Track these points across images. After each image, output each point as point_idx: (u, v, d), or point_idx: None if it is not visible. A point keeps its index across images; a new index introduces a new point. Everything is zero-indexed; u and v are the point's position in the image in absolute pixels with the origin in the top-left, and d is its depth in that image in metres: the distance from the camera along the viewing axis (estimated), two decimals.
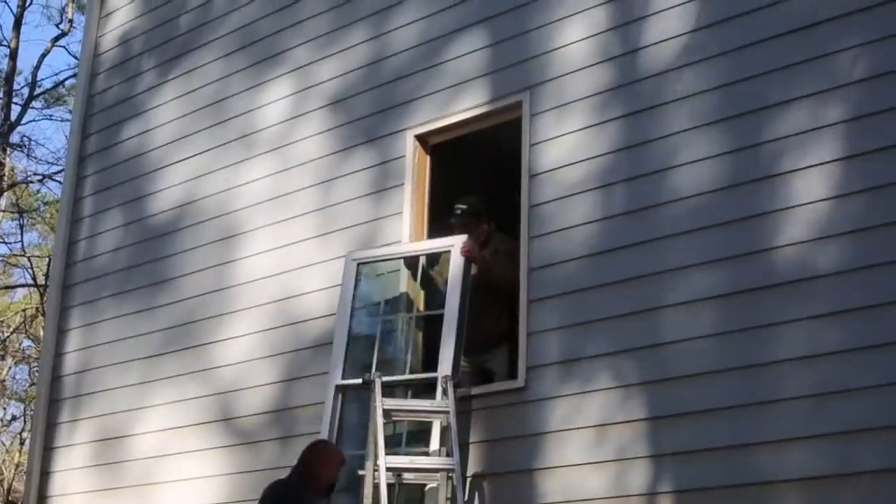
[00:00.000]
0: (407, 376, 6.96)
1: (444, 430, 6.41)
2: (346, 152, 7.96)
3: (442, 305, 6.88)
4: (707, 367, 6.00)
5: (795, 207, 5.92)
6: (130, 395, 8.79)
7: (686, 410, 6.02)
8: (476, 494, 6.62)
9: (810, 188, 5.90)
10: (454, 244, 6.98)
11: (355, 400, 7.00)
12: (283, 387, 7.79)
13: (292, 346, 7.81)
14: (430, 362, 6.91)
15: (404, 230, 7.42)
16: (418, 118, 7.63)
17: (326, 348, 7.30)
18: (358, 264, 7.29)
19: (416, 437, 6.83)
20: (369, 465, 6.33)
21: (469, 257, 6.88)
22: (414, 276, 7.29)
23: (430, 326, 7.12)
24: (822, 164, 5.89)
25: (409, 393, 6.99)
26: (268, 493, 6.23)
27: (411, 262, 7.29)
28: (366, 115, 7.96)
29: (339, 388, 6.99)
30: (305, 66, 8.44)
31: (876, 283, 5.59)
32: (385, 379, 6.63)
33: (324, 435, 6.85)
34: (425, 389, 6.83)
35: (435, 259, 7.26)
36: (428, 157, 7.63)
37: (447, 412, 6.35)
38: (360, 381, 6.74)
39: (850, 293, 5.66)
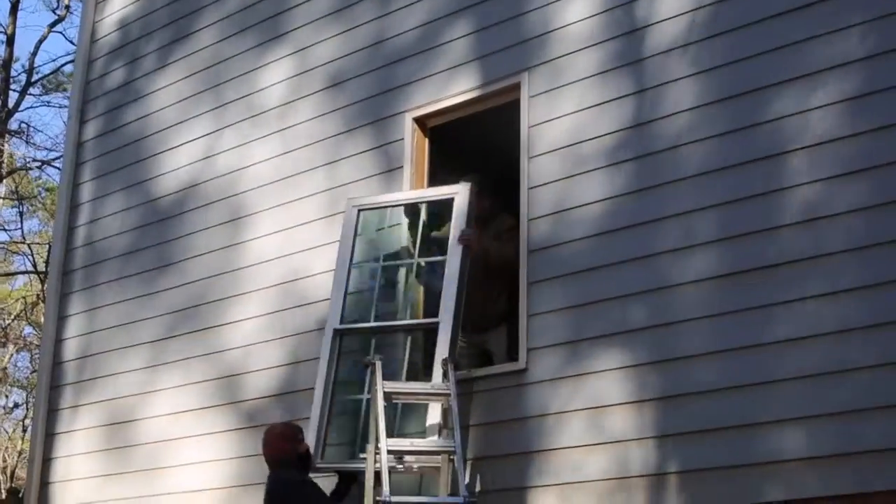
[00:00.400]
0: (408, 321, 7.02)
1: (445, 413, 6.41)
2: (347, 135, 7.95)
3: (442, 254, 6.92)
4: (709, 348, 6.00)
5: (799, 186, 5.90)
6: (133, 379, 8.79)
7: (687, 391, 6.01)
8: (477, 476, 6.63)
9: (813, 167, 5.88)
10: (457, 192, 6.97)
11: (351, 346, 7.04)
12: (289, 369, 7.78)
13: (298, 328, 7.79)
14: (430, 308, 6.99)
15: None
16: (417, 101, 7.61)
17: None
18: (359, 210, 7.29)
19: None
20: (370, 448, 6.32)
21: (467, 245, 6.84)
22: (414, 230, 7.24)
23: (430, 273, 7.12)
24: (825, 142, 5.87)
25: (409, 340, 6.99)
26: (274, 492, 6.37)
27: (412, 219, 7.27)
28: (364, 98, 7.94)
29: (336, 332, 7.00)
30: (305, 48, 8.42)
31: (879, 261, 5.57)
32: (385, 324, 6.86)
33: (321, 378, 6.86)
34: (427, 338, 6.86)
35: (435, 222, 7.22)
36: (427, 140, 7.62)
37: (448, 394, 6.35)
38: (358, 325, 6.90)
39: (853, 272, 5.65)
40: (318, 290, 7.70)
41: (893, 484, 5.32)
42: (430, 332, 6.76)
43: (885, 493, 5.33)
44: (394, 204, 7.31)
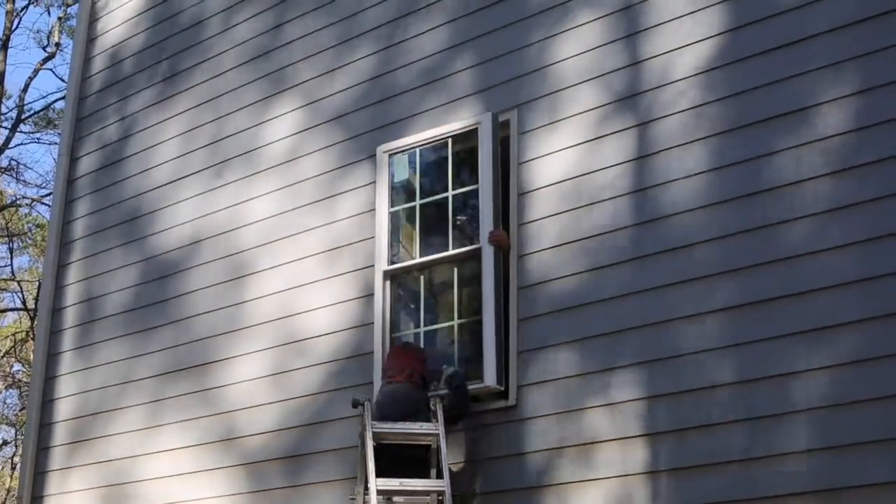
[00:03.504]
0: (452, 251, 7.13)
1: (434, 453, 6.39)
2: (342, 170, 7.94)
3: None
4: (700, 383, 5.98)
5: (796, 220, 5.89)
6: (128, 417, 8.75)
7: (679, 427, 6.00)
8: None
9: (810, 201, 5.88)
10: (480, 122, 7.13)
11: (400, 286, 7.40)
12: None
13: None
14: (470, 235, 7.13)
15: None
16: (406, 139, 7.61)
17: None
18: (389, 155, 7.56)
19: None
20: (359, 489, 6.32)
21: (499, 245, 6.87)
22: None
23: (466, 204, 7.22)
24: (821, 176, 5.87)
25: (455, 272, 7.09)
26: (387, 400, 6.52)
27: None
28: (356, 135, 7.94)
29: (386, 274, 7.34)
30: (299, 84, 8.44)
31: (889, 292, 5.55)
32: (431, 258, 7.18)
33: (377, 320, 7.25)
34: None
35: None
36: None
37: (436, 434, 6.34)
38: (406, 263, 7.27)
39: (848, 306, 5.64)
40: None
41: None
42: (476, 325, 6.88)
43: None
44: (420, 143, 7.49)
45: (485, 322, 6.78)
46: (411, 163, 7.55)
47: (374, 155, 7.71)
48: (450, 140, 7.35)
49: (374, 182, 7.62)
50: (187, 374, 8.41)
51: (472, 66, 7.47)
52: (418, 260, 7.30)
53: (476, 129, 7.18)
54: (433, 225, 7.36)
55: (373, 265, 7.47)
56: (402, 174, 7.59)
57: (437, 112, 7.53)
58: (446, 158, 7.32)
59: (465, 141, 7.25)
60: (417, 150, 7.52)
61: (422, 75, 7.73)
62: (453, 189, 7.27)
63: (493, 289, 6.80)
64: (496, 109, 7.21)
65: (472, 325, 6.95)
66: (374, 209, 7.59)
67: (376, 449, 6.35)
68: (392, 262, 7.38)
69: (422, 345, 7.09)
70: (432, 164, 7.52)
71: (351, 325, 7.51)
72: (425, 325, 7.22)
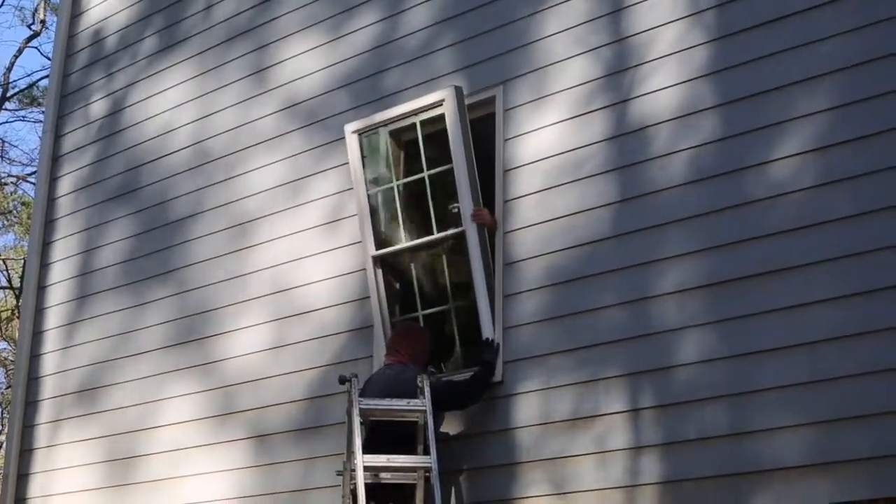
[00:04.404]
0: (438, 234, 7.06)
1: (421, 429, 6.40)
2: (327, 147, 7.92)
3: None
4: (687, 359, 5.99)
5: (778, 197, 5.89)
6: (114, 393, 8.75)
7: (665, 402, 6.01)
8: (453, 490, 6.61)
9: (793, 177, 5.87)
10: (443, 98, 7.01)
11: (391, 268, 7.31)
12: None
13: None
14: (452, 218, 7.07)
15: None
16: (390, 114, 7.58)
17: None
18: (359, 135, 7.39)
19: None
20: (346, 464, 6.32)
21: (481, 221, 6.86)
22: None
23: (447, 183, 7.12)
24: (805, 152, 5.86)
25: (444, 257, 7.11)
26: (392, 382, 6.49)
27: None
28: (340, 112, 7.91)
29: (375, 259, 7.23)
30: (289, 59, 8.40)
31: (867, 270, 5.56)
32: (419, 241, 7.12)
33: (374, 304, 7.17)
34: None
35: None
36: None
37: (423, 410, 6.34)
38: (394, 248, 7.15)
39: (831, 281, 5.65)
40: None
41: (877, 492, 5.32)
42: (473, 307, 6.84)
43: (868, 501, 5.33)
44: (389, 121, 7.36)
45: (480, 310, 6.73)
46: (383, 142, 7.44)
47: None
48: (417, 118, 7.20)
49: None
50: (181, 348, 8.39)
51: (457, 43, 7.44)
52: (405, 244, 7.23)
53: (441, 104, 7.05)
54: (416, 207, 7.29)
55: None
56: (376, 154, 7.46)
57: (421, 88, 7.49)
58: (427, 136, 7.23)
59: (440, 119, 7.13)
60: (388, 128, 7.38)
61: (407, 52, 7.71)
62: (431, 169, 7.15)
63: (482, 272, 6.76)
64: (482, 86, 7.20)
65: (466, 308, 6.91)
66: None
67: (371, 426, 6.37)
68: (379, 247, 7.25)
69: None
70: (410, 143, 7.44)
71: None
72: (419, 310, 7.16)
